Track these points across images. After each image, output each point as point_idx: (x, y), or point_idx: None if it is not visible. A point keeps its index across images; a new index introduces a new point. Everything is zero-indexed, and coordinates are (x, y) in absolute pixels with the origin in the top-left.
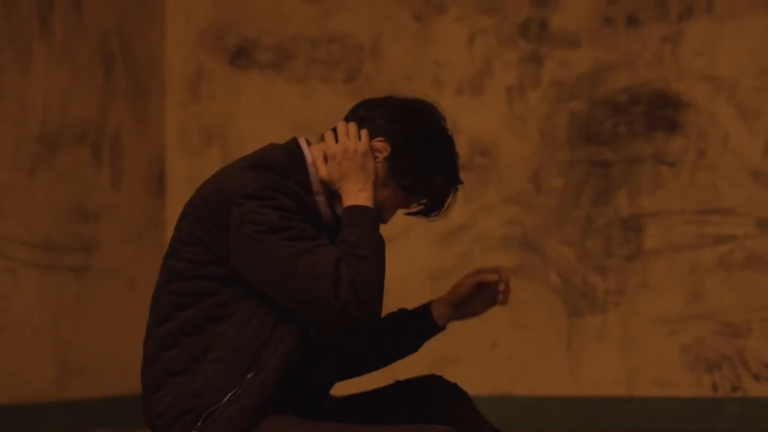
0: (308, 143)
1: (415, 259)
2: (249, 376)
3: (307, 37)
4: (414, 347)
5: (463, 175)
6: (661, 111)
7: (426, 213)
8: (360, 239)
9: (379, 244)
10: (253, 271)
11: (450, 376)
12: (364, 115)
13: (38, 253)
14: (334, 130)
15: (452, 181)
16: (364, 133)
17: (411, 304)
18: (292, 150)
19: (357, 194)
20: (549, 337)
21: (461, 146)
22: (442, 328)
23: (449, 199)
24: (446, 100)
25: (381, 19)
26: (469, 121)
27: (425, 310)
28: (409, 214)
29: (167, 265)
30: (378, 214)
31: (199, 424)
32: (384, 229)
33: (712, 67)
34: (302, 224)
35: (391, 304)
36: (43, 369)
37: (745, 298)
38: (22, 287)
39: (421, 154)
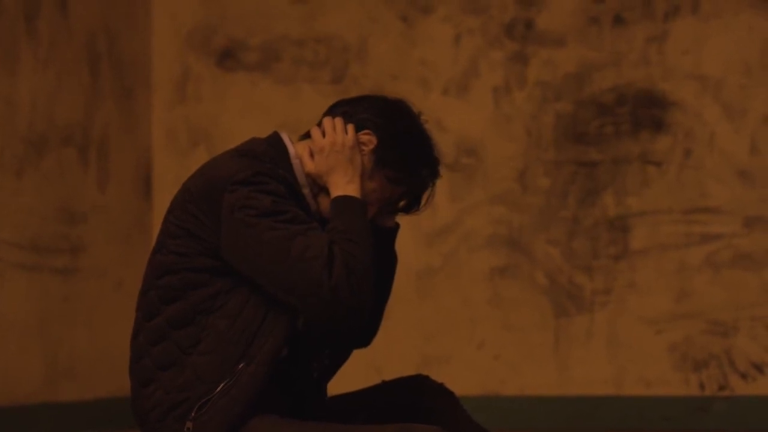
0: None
1: (402, 258)
2: (240, 366)
3: (293, 38)
4: (388, 267)
5: (449, 175)
6: (647, 110)
7: (406, 209)
8: (350, 226)
9: (369, 232)
10: (244, 258)
11: (438, 376)
12: (347, 110)
13: (25, 255)
14: (320, 125)
15: (435, 174)
16: (350, 127)
17: (398, 303)
18: (275, 143)
19: (345, 186)
20: (536, 337)
21: (448, 146)
22: (392, 226)
23: (429, 193)
24: (432, 100)
25: (367, 20)
26: (456, 121)
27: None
28: (390, 211)
29: (155, 259)
30: (366, 204)
31: (192, 414)
32: None
33: (699, 66)
34: (294, 209)
35: None
36: (31, 371)
37: (733, 297)
38: (9, 289)
39: (406, 147)
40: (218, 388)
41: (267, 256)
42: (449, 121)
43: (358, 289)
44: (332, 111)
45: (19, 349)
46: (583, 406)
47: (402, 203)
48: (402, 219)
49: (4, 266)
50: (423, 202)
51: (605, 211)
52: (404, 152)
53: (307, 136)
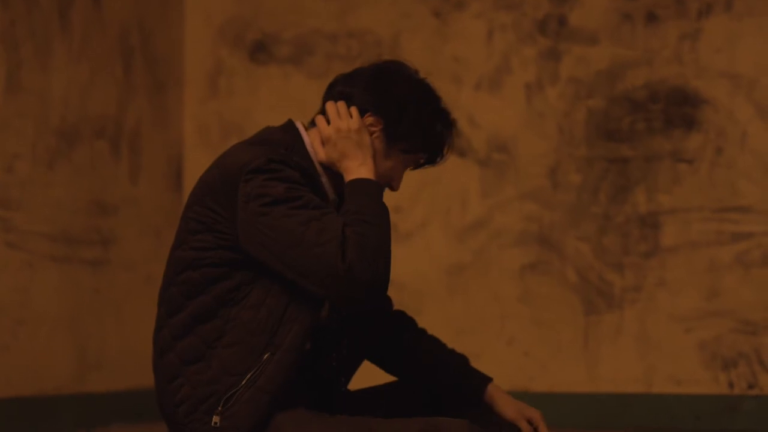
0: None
1: (433, 254)
2: (265, 356)
3: (326, 32)
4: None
5: (480, 171)
6: (679, 108)
7: (431, 161)
8: (363, 207)
9: (383, 210)
10: (261, 246)
11: None
12: (343, 91)
13: (56, 246)
14: (323, 113)
15: (449, 126)
16: (354, 110)
17: (428, 299)
18: (290, 130)
19: (358, 169)
20: (566, 334)
21: (479, 142)
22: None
23: (450, 141)
24: (465, 95)
25: (400, 15)
26: (488, 117)
27: (478, 387)
28: (415, 168)
29: (175, 256)
30: (380, 184)
31: (219, 408)
32: (401, 225)
33: (731, 64)
34: (309, 194)
35: (407, 297)
36: (60, 362)
37: (763, 296)
38: (40, 280)
39: (413, 115)
40: (244, 380)
41: (283, 242)
42: (481, 117)
43: (373, 266)
44: (329, 92)
45: (49, 339)
46: (613, 403)
47: (425, 160)
48: (432, 215)
49: (36, 258)
50: (445, 152)
51: (636, 208)
52: (413, 122)
53: (313, 124)
